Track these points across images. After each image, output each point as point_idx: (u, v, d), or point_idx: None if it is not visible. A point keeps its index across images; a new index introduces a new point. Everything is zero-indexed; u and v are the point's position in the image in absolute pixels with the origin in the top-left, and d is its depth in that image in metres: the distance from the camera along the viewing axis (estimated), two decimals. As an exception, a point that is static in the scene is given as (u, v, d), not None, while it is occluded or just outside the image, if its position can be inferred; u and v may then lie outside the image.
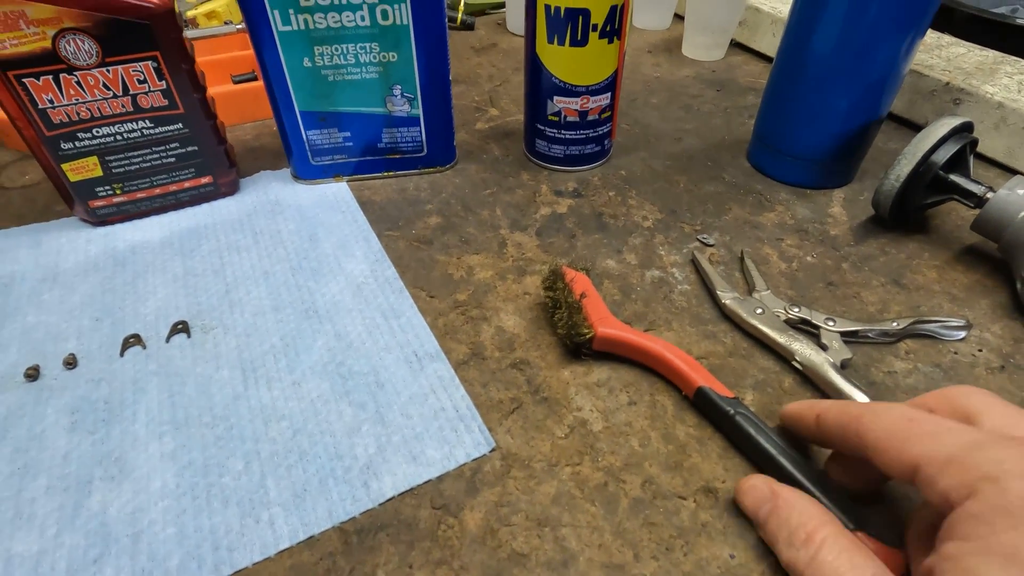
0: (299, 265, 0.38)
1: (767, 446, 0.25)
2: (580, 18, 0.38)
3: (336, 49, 0.39)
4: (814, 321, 0.32)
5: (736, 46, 0.68)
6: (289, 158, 0.45)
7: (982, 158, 0.47)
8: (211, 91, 0.48)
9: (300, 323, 0.34)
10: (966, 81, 0.48)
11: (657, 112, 0.55)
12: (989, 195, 0.35)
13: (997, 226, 0.34)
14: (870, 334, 0.32)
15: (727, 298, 0.34)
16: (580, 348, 0.31)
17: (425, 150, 0.45)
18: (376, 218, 0.42)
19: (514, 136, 0.52)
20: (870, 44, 0.37)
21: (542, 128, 0.45)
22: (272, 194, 0.44)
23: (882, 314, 0.34)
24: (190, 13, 0.64)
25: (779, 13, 0.62)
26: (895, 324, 0.32)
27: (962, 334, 0.32)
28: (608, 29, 0.39)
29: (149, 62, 0.36)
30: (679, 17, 0.75)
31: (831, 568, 0.19)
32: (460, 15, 0.72)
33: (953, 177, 0.37)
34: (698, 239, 0.40)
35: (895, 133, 0.52)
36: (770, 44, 0.64)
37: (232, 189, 0.44)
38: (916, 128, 0.52)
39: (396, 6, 0.37)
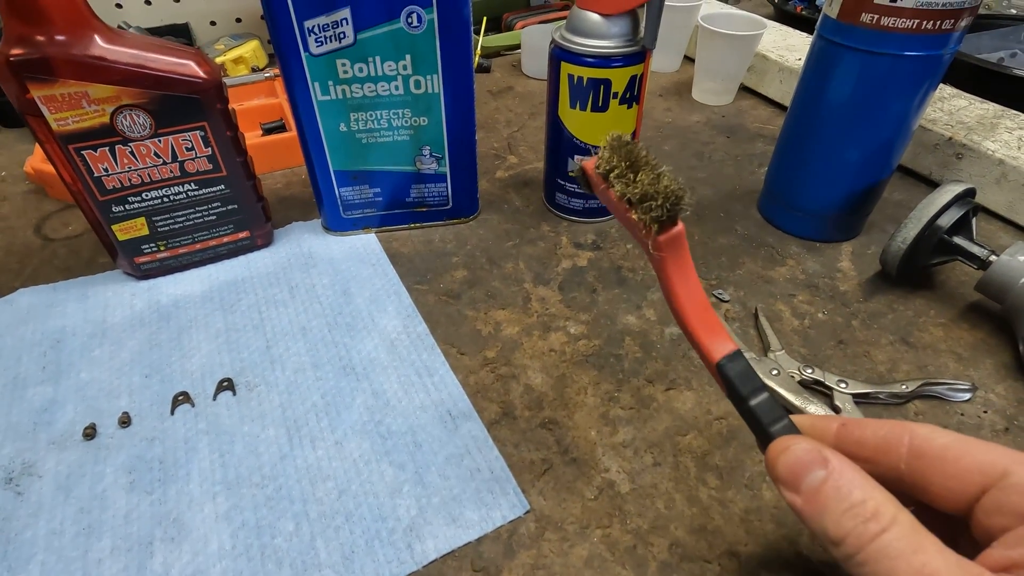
0: (335, 321, 0.40)
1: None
2: (601, 87, 0.41)
3: (371, 115, 0.41)
4: (827, 383, 0.34)
5: (744, 90, 0.71)
6: (320, 211, 0.47)
7: (985, 211, 0.49)
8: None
9: (339, 380, 0.35)
10: (968, 136, 0.50)
11: (671, 160, 0.57)
12: (992, 258, 0.37)
13: (1000, 290, 0.36)
14: (881, 396, 0.34)
15: (744, 358, 0.36)
16: (673, 216, 0.22)
17: (450, 203, 0.47)
18: (405, 271, 0.44)
19: (533, 185, 0.54)
20: (883, 100, 0.39)
21: (562, 183, 0.47)
22: (305, 247, 0.46)
23: (891, 373, 0.36)
24: (218, 60, 0.67)
25: (785, 61, 0.65)
26: (904, 387, 0.33)
27: (968, 396, 0.34)
28: (628, 96, 0.42)
29: (197, 131, 0.38)
30: (688, 59, 0.78)
31: (907, 547, 0.17)
32: (476, 58, 0.75)
33: (957, 240, 0.39)
34: (714, 295, 0.42)
35: (900, 184, 0.54)
36: (778, 90, 0.66)
37: (267, 241, 0.46)
38: (920, 179, 0.54)
39: (429, 77, 0.40)
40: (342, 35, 0.37)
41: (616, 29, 0.39)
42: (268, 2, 0.36)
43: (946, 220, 0.38)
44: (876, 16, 0.36)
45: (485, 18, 0.81)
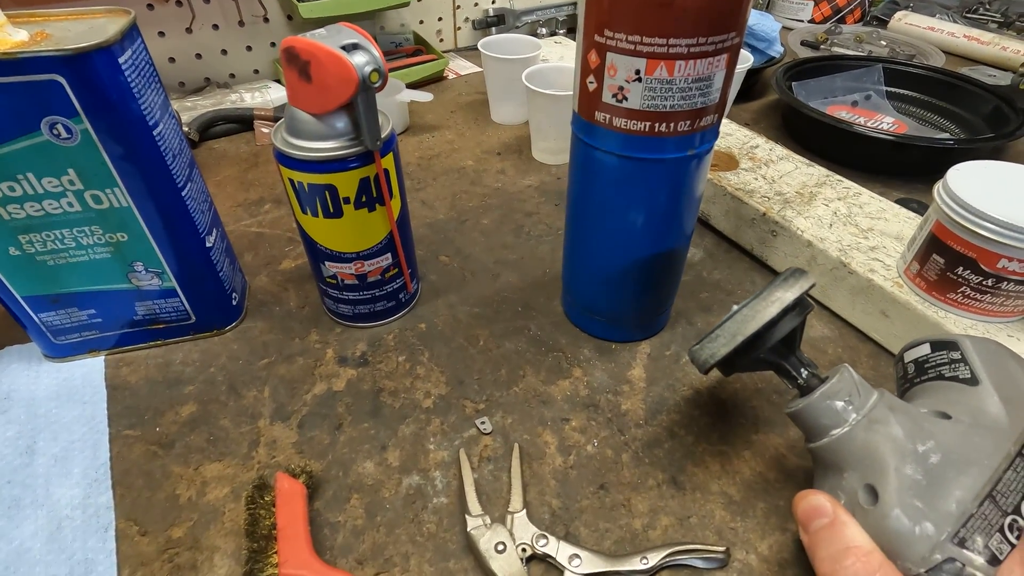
0: (-1, 494, 0.32)
1: None
2: (327, 193, 0.35)
3: (48, 235, 0.34)
4: (559, 559, 0.28)
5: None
6: (31, 337, 0.39)
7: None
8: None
9: (-37, 592, 0.28)
10: (781, 213, 0.46)
11: (484, 238, 0.52)
12: (813, 381, 0.29)
13: (809, 431, 0.29)
14: (620, 573, 0.28)
15: (473, 525, 0.30)
16: None
17: (193, 317, 0.41)
18: (121, 410, 0.37)
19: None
20: (641, 201, 0.34)
21: (325, 288, 0.41)
22: (6, 383, 0.38)
23: (647, 531, 0.31)
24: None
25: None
26: (644, 562, 0.28)
27: (721, 563, 0.29)
28: (364, 200, 0.36)
29: None
30: (540, 108, 0.73)
31: None
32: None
33: (775, 359, 0.30)
34: (476, 424, 0.36)
35: (723, 259, 0.50)
36: (618, 147, 0.62)
37: (-37, 375, 0.38)
38: (744, 252, 0.50)
39: (108, 191, 0.33)
40: (-32, 153, 0.30)
41: (334, 129, 0.33)
42: None
43: (769, 338, 0.30)
44: (608, 116, 0.31)
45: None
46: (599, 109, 0.31)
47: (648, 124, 0.30)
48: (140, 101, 0.32)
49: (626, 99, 0.29)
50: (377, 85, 0.32)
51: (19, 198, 0.32)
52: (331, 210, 0.36)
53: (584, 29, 0.30)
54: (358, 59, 0.31)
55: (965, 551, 0.23)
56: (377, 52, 0.32)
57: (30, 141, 0.30)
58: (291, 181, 0.35)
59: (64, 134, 0.30)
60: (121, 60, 0.30)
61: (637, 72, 0.28)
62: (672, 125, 0.30)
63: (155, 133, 0.33)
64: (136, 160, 0.33)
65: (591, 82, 0.31)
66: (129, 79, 0.31)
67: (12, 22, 0.31)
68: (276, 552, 0.28)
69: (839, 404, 0.27)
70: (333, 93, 0.31)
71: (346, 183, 0.35)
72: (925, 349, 0.32)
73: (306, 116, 0.33)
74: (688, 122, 0.30)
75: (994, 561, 0.22)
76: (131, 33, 0.31)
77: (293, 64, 0.31)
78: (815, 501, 0.25)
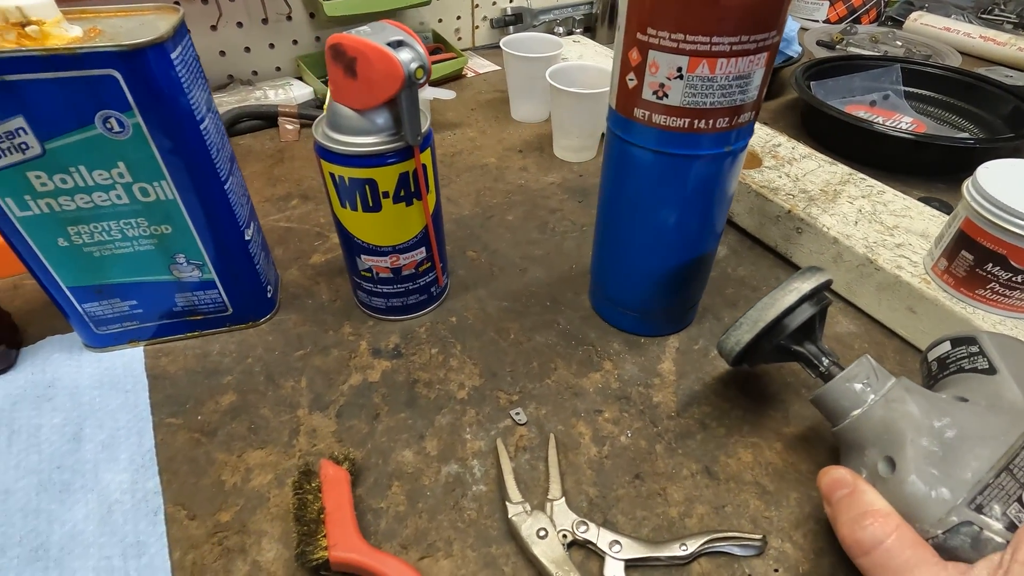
0: (49, 479, 0.33)
1: None
2: (367, 187, 0.36)
3: (96, 227, 0.35)
4: (600, 545, 0.29)
5: (611, 142, 0.67)
6: (73, 327, 0.40)
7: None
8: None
9: (21, 573, 0.29)
10: (806, 210, 0.46)
11: (510, 234, 0.53)
12: (834, 369, 0.31)
13: (831, 414, 0.31)
14: (660, 559, 0.29)
15: (514, 512, 0.31)
16: (318, 570, 0.29)
17: (230, 309, 0.41)
18: (163, 398, 0.38)
19: (348, 273, 0.48)
20: (674, 197, 0.34)
21: (359, 281, 0.42)
22: (49, 372, 0.39)
23: (684, 519, 0.31)
24: None
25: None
26: (683, 548, 0.29)
27: (757, 551, 0.30)
28: (402, 194, 0.36)
29: None
30: (560, 106, 0.74)
31: (909, 556, 0.23)
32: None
33: (797, 347, 0.33)
34: (511, 415, 0.37)
35: (747, 255, 0.50)
36: (639, 144, 0.63)
37: (7, 364, 0.39)
38: (768, 249, 0.51)
39: (156, 183, 0.34)
40: (24, 146, 0.31)
41: (375, 124, 0.34)
42: (-81, 112, 0.29)
43: (788, 325, 0.32)
44: (647, 113, 0.31)
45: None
46: (638, 106, 0.31)
47: (688, 120, 0.31)
48: (189, 96, 0.32)
49: (667, 96, 0.30)
50: (421, 81, 0.32)
51: (70, 190, 0.33)
52: (370, 204, 0.36)
53: (626, 27, 0.30)
54: (404, 56, 0.31)
55: (982, 516, 0.23)
56: (422, 49, 0.32)
57: (83, 135, 0.31)
58: (331, 175, 0.36)
59: (117, 128, 0.31)
60: (173, 56, 0.31)
61: (679, 70, 0.29)
62: (711, 122, 0.31)
63: (201, 128, 0.34)
64: (183, 154, 0.33)
65: (631, 79, 0.31)
66: (179, 75, 0.32)
67: (66, 18, 0.32)
68: (325, 535, 0.29)
69: (858, 386, 0.29)
70: (379, 89, 0.32)
71: (386, 177, 0.35)
72: (946, 346, 0.33)
73: (349, 112, 0.34)
74: (727, 119, 0.31)
75: (1012, 528, 0.23)
76: (181, 29, 0.32)
77: (339, 61, 0.32)
78: (836, 474, 0.27)
